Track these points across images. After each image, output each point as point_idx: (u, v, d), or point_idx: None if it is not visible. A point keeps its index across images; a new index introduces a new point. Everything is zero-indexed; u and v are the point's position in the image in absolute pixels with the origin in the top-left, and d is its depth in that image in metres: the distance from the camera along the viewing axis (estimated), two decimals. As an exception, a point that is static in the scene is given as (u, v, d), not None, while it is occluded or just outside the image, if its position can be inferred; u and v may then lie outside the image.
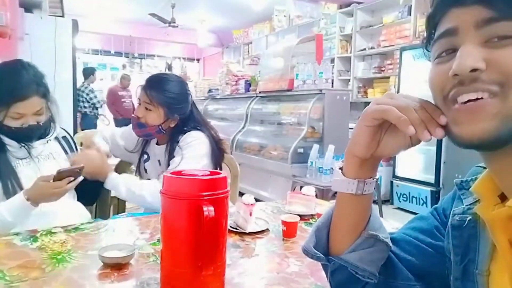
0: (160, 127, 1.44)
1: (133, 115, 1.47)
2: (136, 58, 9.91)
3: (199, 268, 0.70)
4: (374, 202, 3.21)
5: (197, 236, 0.69)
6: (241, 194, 4.63)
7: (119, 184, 1.35)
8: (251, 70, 5.39)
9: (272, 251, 0.98)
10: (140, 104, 1.44)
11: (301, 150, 3.68)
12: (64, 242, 0.99)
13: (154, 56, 10.04)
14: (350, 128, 3.95)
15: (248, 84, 4.93)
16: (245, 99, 4.84)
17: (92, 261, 0.88)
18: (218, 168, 1.56)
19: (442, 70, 0.46)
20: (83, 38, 7.93)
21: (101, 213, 1.66)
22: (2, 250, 0.93)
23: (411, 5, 4.50)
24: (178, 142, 1.46)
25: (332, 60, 5.62)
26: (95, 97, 6.29)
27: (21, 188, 1.18)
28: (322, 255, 0.57)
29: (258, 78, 4.73)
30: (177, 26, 6.91)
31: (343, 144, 2.93)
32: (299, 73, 4.08)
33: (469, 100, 0.43)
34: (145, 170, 1.57)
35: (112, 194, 1.74)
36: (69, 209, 1.33)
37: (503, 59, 0.41)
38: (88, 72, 6.19)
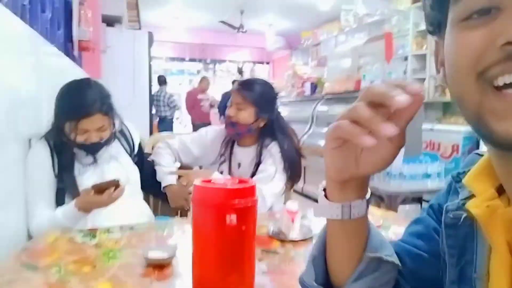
0: (250, 126, 1.52)
1: (226, 115, 1.56)
2: (209, 63, 10.39)
3: (225, 274, 0.71)
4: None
5: (221, 243, 0.70)
6: (307, 196, 4.57)
7: None
8: (318, 71, 5.32)
9: (312, 261, 0.96)
10: (231, 106, 1.54)
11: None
12: (118, 240, 1.07)
13: (226, 61, 10.42)
14: (424, 130, 3.69)
15: (314, 86, 4.87)
16: (311, 101, 4.79)
17: (138, 260, 0.93)
18: (299, 175, 1.63)
19: (478, 36, 0.34)
20: (159, 48, 8.54)
21: (164, 211, 1.76)
22: (64, 245, 1.03)
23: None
24: (266, 146, 1.55)
25: (406, 58, 5.29)
26: (174, 100, 6.71)
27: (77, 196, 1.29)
28: None
29: (324, 80, 4.64)
30: (246, 32, 7.08)
31: (415, 147, 2.73)
32: (366, 73, 3.92)
33: None
34: (221, 172, 1.63)
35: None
36: (132, 209, 1.44)
37: None
38: (163, 79, 6.62)
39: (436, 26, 0.42)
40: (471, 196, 0.43)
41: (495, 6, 0.33)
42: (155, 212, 1.72)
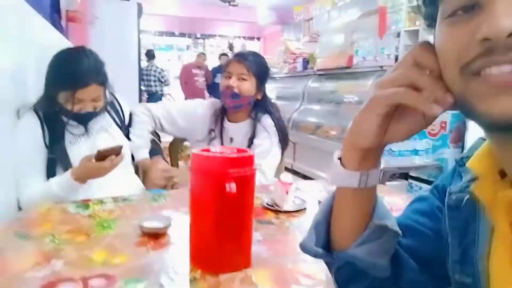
0: (252, 97, 1.52)
1: (226, 86, 1.50)
2: (199, 38, 10.19)
3: (223, 242, 0.72)
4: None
5: (220, 211, 0.71)
6: (296, 173, 4.61)
7: None
8: (310, 47, 5.25)
9: (305, 230, 0.97)
10: (230, 77, 1.50)
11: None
12: (112, 211, 1.07)
13: (216, 36, 10.22)
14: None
15: (306, 62, 4.82)
16: (302, 77, 4.75)
17: (133, 230, 0.93)
18: (285, 149, 1.62)
19: (460, 33, 0.36)
20: (148, 21, 8.31)
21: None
22: (57, 216, 1.03)
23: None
24: (258, 120, 1.54)
25: (398, 35, 5.26)
26: (165, 75, 6.60)
27: (68, 167, 1.27)
28: (325, 252, 0.51)
29: (316, 55, 4.60)
30: (237, 5, 6.93)
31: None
32: (359, 49, 3.89)
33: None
34: None
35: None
36: (123, 181, 1.43)
37: None
38: (152, 54, 6.48)
39: (430, 21, 0.43)
40: (474, 179, 0.45)
41: (477, 3, 0.35)
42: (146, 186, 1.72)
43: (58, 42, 2.37)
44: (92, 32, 3.82)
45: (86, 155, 1.22)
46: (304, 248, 0.53)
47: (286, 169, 4.42)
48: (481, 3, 0.35)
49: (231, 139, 1.57)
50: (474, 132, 3.84)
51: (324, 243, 0.52)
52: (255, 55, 1.59)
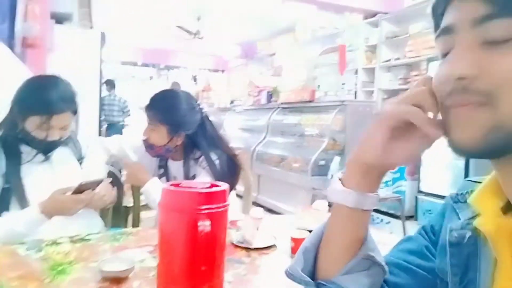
0: (167, 146, 1.41)
1: (142, 138, 1.44)
2: (162, 69, 10.15)
3: (195, 285, 0.67)
4: (398, 217, 3.06)
5: (192, 251, 0.66)
6: (260, 206, 4.59)
7: (158, 197, 1.34)
8: (274, 81, 5.39)
9: (278, 269, 0.94)
10: (146, 126, 1.43)
11: (322, 162, 3.62)
12: (67, 253, 0.98)
13: (180, 67, 10.24)
14: (373, 141, 3.85)
15: (269, 96, 4.93)
16: (266, 110, 4.83)
17: (92, 274, 0.86)
18: (235, 184, 1.52)
19: (438, 74, 0.43)
20: (111, 50, 8.20)
21: (116, 222, 1.66)
22: (4, 259, 0.93)
23: (438, 15, 4.37)
24: (195, 159, 1.44)
25: (356, 71, 5.53)
26: (127, 106, 6.45)
27: (24, 198, 1.18)
28: (310, 280, 0.51)
29: (280, 89, 4.71)
30: (202, 38, 7.03)
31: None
32: (321, 84, 4.05)
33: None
34: None
35: (129, 204, 1.76)
36: (81, 218, 1.33)
37: (496, 66, 0.37)
38: (113, 83, 6.36)
39: None
40: (475, 216, 0.46)
41: (450, 49, 0.41)
42: (106, 224, 1.61)
43: (14, 68, 2.26)
44: (52, 59, 3.69)
45: (66, 187, 1.15)
46: (290, 274, 0.52)
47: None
48: (452, 48, 0.41)
49: (175, 177, 1.52)
50: (429, 165, 4.03)
51: (311, 270, 0.52)
52: (165, 100, 1.44)
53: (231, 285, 0.83)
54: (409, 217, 4.00)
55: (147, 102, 1.46)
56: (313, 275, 0.52)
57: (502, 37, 0.37)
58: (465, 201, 0.48)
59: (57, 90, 1.24)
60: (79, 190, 1.14)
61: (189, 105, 1.44)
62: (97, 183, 1.20)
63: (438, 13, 0.45)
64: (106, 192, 1.24)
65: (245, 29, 7.78)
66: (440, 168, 3.98)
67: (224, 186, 0.72)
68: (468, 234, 0.46)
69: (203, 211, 0.66)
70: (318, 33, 6.33)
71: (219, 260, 0.71)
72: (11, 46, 2.36)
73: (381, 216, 3.61)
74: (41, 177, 1.26)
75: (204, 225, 0.65)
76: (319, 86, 4.06)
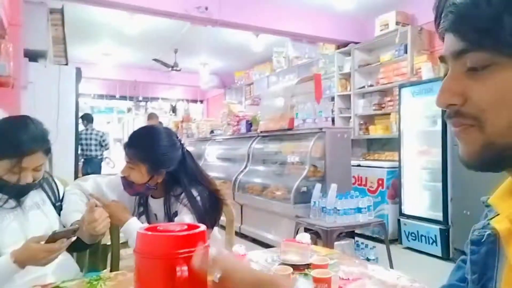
0: (147, 184, 1.38)
1: (120, 175, 1.41)
2: (141, 101, 10.14)
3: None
4: (382, 242, 3.06)
5: None
6: (244, 236, 4.51)
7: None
8: (252, 110, 5.45)
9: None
10: (126, 163, 1.40)
11: (304, 189, 3.62)
12: (40, 303, 0.93)
13: (159, 99, 10.26)
14: (352, 166, 3.92)
15: (249, 124, 4.96)
16: (246, 139, 4.86)
17: (66, 325, 0.81)
18: (218, 219, 1.49)
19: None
20: (88, 84, 8.17)
21: (92, 266, 1.59)
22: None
23: (406, 44, 4.58)
24: (176, 196, 1.41)
25: (333, 98, 5.68)
26: (106, 139, 6.34)
27: None
28: None
29: (259, 118, 4.76)
30: (180, 70, 7.10)
31: (346, 183, 2.89)
32: (299, 112, 4.10)
33: None
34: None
35: (108, 242, 1.70)
36: (55, 263, 1.27)
37: (479, 93, 0.42)
38: (90, 118, 6.28)
39: None
40: (496, 216, 0.48)
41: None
42: (82, 266, 1.55)
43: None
44: (26, 96, 3.63)
45: (37, 236, 1.10)
46: None
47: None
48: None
49: (155, 215, 1.49)
50: (408, 187, 4.10)
51: None
52: (144, 138, 1.42)
53: (214, 329, 0.80)
54: (393, 241, 4.02)
55: (125, 139, 1.44)
56: None
57: (480, 65, 0.41)
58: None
59: (26, 130, 1.22)
60: (53, 239, 1.10)
61: (170, 142, 1.42)
62: (72, 231, 1.15)
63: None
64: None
65: (222, 59, 7.92)
66: (419, 190, 4.05)
67: (202, 227, 0.71)
68: (487, 232, 0.48)
69: (181, 255, 0.65)
70: (294, 62, 6.51)
71: None
72: (-18, 85, 2.32)
73: (365, 241, 3.61)
74: (13, 225, 1.21)
75: (182, 270, 0.63)
76: (297, 114, 4.12)
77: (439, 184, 3.65)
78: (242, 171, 4.69)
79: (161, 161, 1.37)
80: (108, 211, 1.33)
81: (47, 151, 1.27)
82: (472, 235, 0.51)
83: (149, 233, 0.68)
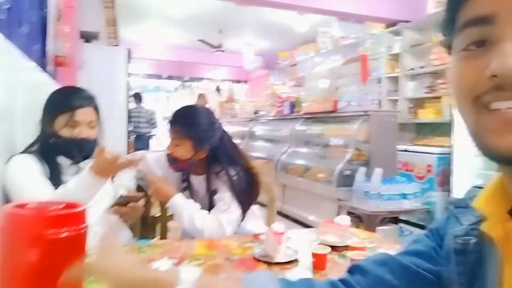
0: (191, 160, 1.44)
1: (166, 152, 1.48)
2: (187, 81, 10.38)
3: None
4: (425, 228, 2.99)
5: (22, 278, 0.58)
6: (286, 216, 4.55)
7: (183, 211, 1.38)
8: (296, 91, 5.41)
9: (300, 284, 0.94)
10: (170, 139, 1.47)
11: (347, 173, 3.57)
12: (96, 265, 1.02)
13: (204, 79, 10.44)
14: (399, 150, 3.79)
15: (292, 106, 4.93)
16: (289, 120, 4.84)
17: (119, 287, 0.89)
18: (255, 198, 1.54)
19: (473, 67, 0.39)
20: (137, 64, 8.46)
21: (144, 233, 1.70)
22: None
23: (463, 21, 4.28)
24: (216, 174, 1.47)
25: (380, 80, 5.47)
26: (154, 117, 6.61)
27: None
28: None
29: (302, 99, 4.72)
30: (224, 51, 7.15)
31: (391, 168, 2.80)
32: (344, 94, 4.01)
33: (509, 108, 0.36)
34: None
35: (157, 214, 1.80)
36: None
37: None
38: (140, 97, 6.53)
39: (449, 49, 0.44)
40: (480, 221, 0.44)
41: (488, 39, 0.38)
42: (134, 235, 1.66)
43: (47, 86, 2.38)
44: (81, 76, 3.86)
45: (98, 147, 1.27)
46: None
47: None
48: (492, 40, 0.37)
49: (197, 191, 1.55)
50: (459, 175, 3.91)
51: None
52: (188, 115, 1.48)
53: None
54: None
55: (170, 117, 1.51)
56: None
57: None
58: (467, 207, 0.47)
59: (76, 90, 1.41)
60: (121, 203, 1.26)
61: (210, 120, 1.49)
62: (138, 198, 1.32)
63: (455, 3, 0.41)
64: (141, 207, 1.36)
65: (266, 40, 7.86)
66: (470, 178, 3.85)
67: (73, 209, 0.64)
68: (473, 240, 0.44)
69: (33, 237, 0.58)
70: (339, 43, 6.32)
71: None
72: (43, 65, 2.49)
73: (410, 228, 3.51)
74: None
75: (31, 253, 0.57)
76: (342, 96, 4.03)
77: (492, 172, 3.45)
78: (284, 152, 4.70)
79: (203, 137, 1.44)
80: (155, 188, 1.41)
81: (96, 109, 1.40)
82: (454, 243, 0.46)
83: (12, 210, 0.61)
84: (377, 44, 5.60)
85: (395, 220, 3.33)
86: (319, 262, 1.00)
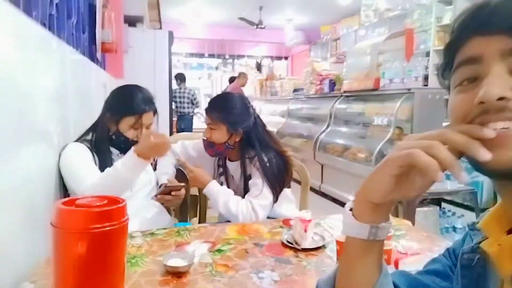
0: (226, 143, 1.52)
1: (203, 138, 1.58)
2: (228, 59, 10.45)
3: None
4: (472, 210, 2.86)
5: (72, 270, 0.67)
6: (324, 195, 4.54)
7: (219, 197, 1.49)
8: (337, 68, 5.28)
9: (322, 271, 0.99)
10: (207, 126, 1.56)
11: (387, 152, 3.50)
12: (140, 246, 1.13)
13: (245, 56, 10.44)
14: (444, 129, 3.63)
15: (332, 84, 4.85)
16: (329, 98, 4.77)
17: (158, 267, 0.99)
18: (288, 182, 1.60)
19: (465, 98, 0.46)
20: (179, 43, 8.63)
21: (183, 213, 1.83)
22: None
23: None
24: (250, 159, 1.54)
25: (427, 54, 5.19)
26: (197, 97, 6.77)
27: None
28: None
29: (343, 77, 4.61)
30: (264, 28, 7.08)
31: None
32: (386, 71, 3.88)
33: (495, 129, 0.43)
34: (221, 183, 1.65)
35: (194, 193, 1.93)
36: (154, 212, 1.52)
37: None
38: (183, 77, 6.68)
39: (447, 89, 0.52)
40: (484, 239, 0.50)
41: (477, 75, 0.45)
42: (175, 215, 1.80)
43: (96, 75, 2.54)
44: (127, 59, 4.03)
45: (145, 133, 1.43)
46: None
47: (314, 190, 4.38)
48: (481, 76, 0.45)
49: (232, 176, 1.63)
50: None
51: None
52: (222, 100, 1.58)
53: (276, 284, 0.91)
54: (486, 209, 3.71)
55: (207, 104, 1.59)
56: None
57: None
58: (479, 229, 0.52)
59: (142, 93, 1.49)
60: (164, 191, 1.41)
61: (244, 105, 1.56)
62: (180, 187, 1.47)
63: (453, 50, 0.48)
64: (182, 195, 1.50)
65: (307, 14, 7.67)
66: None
67: (115, 205, 0.70)
68: (477, 256, 0.50)
69: (84, 231, 0.66)
70: (384, 15, 6.03)
71: (111, 278, 0.71)
72: (92, 52, 2.65)
73: (453, 209, 3.41)
74: None
75: (81, 245, 0.65)
76: (383, 73, 3.89)
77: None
78: (324, 131, 4.68)
79: (238, 121, 1.52)
80: (192, 176, 1.52)
81: (155, 112, 1.53)
82: (461, 259, 0.52)
83: (60, 206, 0.69)
84: (426, 15, 5.28)
85: (437, 201, 3.24)
86: (342, 249, 1.04)
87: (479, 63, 0.45)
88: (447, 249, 0.61)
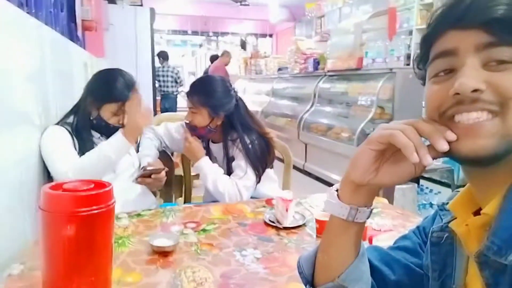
0: (208, 127, 1.54)
1: (185, 121, 1.59)
2: (211, 36, 10.28)
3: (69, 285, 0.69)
4: (449, 186, 2.95)
5: (62, 253, 0.69)
6: (308, 174, 4.61)
7: (209, 174, 1.51)
8: (322, 46, 5.28)
9: (302, 248, 1.05)
10: (188, 109, 1.57)
11: (370, 132, 3.58)
12: (126, 227, 1.16)
13: (229, 33, 10.29)
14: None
15: (316, 63, 4.86)
16: (313, 77, 4.80)
17: (145, 247, 1.03)
18: (270, 163, 1.63)
19: (440, 89, 0.48)
20: (162, 20, 8.43)
21: (167, 194, 1.86)
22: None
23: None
24: (233, 141, 1.56)
25: (410, 32, 5.23)
26: (181, 76, 6.65)
27: None
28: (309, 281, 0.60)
29: (327, 56, 4.62)
30: (248, 5, 6.97)
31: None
32: (369, 50, 3.91)
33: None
34: None
35: (179, 173, 1.96)
36: (137, 195, 1.54)
37: (503, 82, 0.43)
38: (166, 55, 6.54)
39: (423, 81, 0.54)
40: (453, 220, 0.54)
41: (452, 68, 0.47)
42: (160, 196, 1.83)
43: (76, 55, 2.49)
44: (107, 38, 3.94)
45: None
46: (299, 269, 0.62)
47: (297, 169, 4.43)
48: (456, 68, 0.47)
49: (215, 158, 1.65)
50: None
51: (310, 276, 0.60)
52: (203, 84, 1.59)
53: (258, 261, 0.96)
54: (461, 187, 3.86)
55: (198, 73, 1.61)
56: (312, 280, 0.60)
57: (505, 60, 0.44)
58: (448, 209, 0.56)
59: (124, 79, 1.47)
60: (145, 174, 1.42)
61: (225, 88, 1.57)
62: (160, 170, 1.47)
63: (430, 42, 0.50)
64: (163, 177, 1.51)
65: (293, -9, 7.56)
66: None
67: (102, 189, 0.72)
68: (446, 235, 0.54)
69: (71, 214, 0.68)
70: (369, -8, 6.00)
71: (98, 260, 0.73)
72: (71, 30, 2.58)
73: (431, 186, 3.54)
74: None
75: (70, 228, 0.67)
76: (367, 52, 3.92)
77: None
78: (308, 111, 4.72)
79: (219, 104, 1.53)
80: (189, 147, 1.55)
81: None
82: (431, 237, 0.56)
83: (49, 191, 0.70)
84: (409, -8, 5.28)
85: (416, 178, 3.36)
86: (322, 228, 1.10)
87: (454, 55, 0.46)
88: (417, 227, 0.66)
